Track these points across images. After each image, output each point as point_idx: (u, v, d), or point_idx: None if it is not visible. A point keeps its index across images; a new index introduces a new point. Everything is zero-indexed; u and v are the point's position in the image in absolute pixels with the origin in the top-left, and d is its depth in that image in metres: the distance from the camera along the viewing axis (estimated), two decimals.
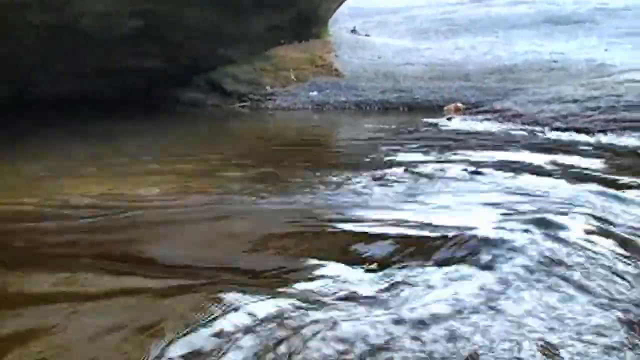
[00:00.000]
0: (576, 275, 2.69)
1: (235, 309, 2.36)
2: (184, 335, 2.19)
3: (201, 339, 2.18)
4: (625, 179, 4.05)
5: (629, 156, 4.79)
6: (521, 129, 5.80)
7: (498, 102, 6.75)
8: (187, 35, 7.62)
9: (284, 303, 2.44)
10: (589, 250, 2.89)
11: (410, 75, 8.27)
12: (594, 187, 3.68)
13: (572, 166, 4.33)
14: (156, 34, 7.34)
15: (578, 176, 4.01)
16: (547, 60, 8.09)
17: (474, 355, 2.18)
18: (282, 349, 2.13)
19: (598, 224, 3.17)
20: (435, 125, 6.31)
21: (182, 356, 2.08)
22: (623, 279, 2.73)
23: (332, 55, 9.05)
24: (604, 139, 5.32)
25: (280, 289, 2.60)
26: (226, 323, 2.26)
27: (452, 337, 2.28)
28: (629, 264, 2.84)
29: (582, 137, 5.35)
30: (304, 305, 2.44)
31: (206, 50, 8.15)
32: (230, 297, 2.45)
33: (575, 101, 6.23)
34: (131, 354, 2.10)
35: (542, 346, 2.24)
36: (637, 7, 10.63)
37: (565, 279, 2.68)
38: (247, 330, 2.22)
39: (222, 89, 8.47)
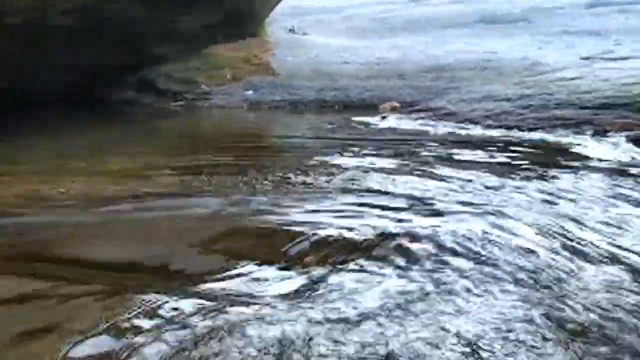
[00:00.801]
0: (498, 272, 2.69)
1: (148, 310, 2.32)
2: (94, 336, 2.14)
3: (110, 340, 2.13)
4: (552, 173, 4.09)
5: (558, 152, 4.83)
6: (453, 127, 5.82)
7: (432, 101, 6.77)
8: (118, 32, 7.51)
9: (199, 303, 2.40)
10: (512, 245, 2.90)
11: (347, 74, 8.27)
12: (517, 182, 3.70)
13: (499, 162, 4.35)
14: (87, 30, 7.23)
15: (500, 171, 4.03)
16: (481, 59, 8.15)
17: (390, 355, 2.16)
18: (193, 349, 2.09)
19: (517, 219, 3.18)
20: (370, 124, 6.32)
21: (91, 356, 2.03)
22: (545, 272, 2.74)
23: (269, 54, 9.01)
24: (535, 136, 5.36)
25: (197, 289, 2.56)
26: (137, 323, 2.21)
27: (368, 336, 2.26)
28: (549, 259, 2.86)
29: (513, 135, 5.38)
30: (219, 305, 2.41)
31: (140, 49, 8.05)
32: (144, 297, 2.41)
33: (507, 99, 6.28)
34: (38, 355, 2.05)
35: (460, 344, 2.23)
36: (570, 6, 10.77)
37: (485, 275, 2.68)
38: (159, 330, 2.18)
39: (157, 87, 8.38)
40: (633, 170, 4.46)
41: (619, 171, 4.36)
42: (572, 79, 6.46)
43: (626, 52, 7.55)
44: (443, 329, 2.28)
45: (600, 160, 4.61)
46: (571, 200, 3.61)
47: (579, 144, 5.04)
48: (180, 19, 8.12)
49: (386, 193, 3.74)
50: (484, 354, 2.15)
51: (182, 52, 8.57)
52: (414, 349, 2.18)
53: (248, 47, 9.09)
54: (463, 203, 3.43)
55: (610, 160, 4.63)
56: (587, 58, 7.55)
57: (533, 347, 2.27)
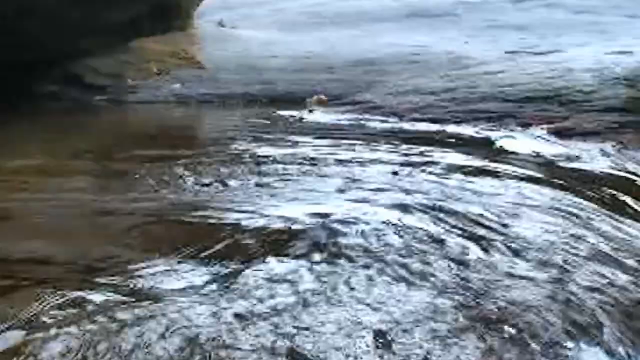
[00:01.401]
0: (413, 263, 2.70)
1: (57, 304, 2.29)
2: (1, 331, 2.10)
3: (17, 334, 2.10)
4: (474, 164, 4.13)
5: (481, 145, 4.88)
6: (379, 120, 5.84)
7: (359, 94, 6.79)
8: (40, 24, 7.37)
9: (110, 297, 2.38)
10: (425, 236, 2.92)
11: (275, 68, 8.23)
12: (436, 174, 3.73)
13: (421, 154, 4.38)
14: (5, 22, 7.07)
15: (420, 163, 4.06)
16: (409, 53, 8.19)
17: (301, 348, 2.15)
18: (99, 344, 2.06)
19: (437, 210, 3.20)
20: (297, 117, 6.31)
21: None
22: (461, 264, 2.76)
23: (196, 47, 8.92)
24: (458, 129, 5.41)
25: (109, 283, 2.53)
26: (45, 318, 2.18)
27: (277, 329, 2.25)
28: (464, 251, 2.88)
29: (437, 127, 5.42)
30: (130, 299, 2.38)
31: (63, 42, 7.90)
32: (54, 291, 2.38)
33: (432, 93, 6.33)
34: None
35: (374, 336, 2.23)
36: (498, 1, 10.88)
37: (403, 266, 2.69)
38: (67, 325, 2.15)
39: (82, 82, 8.23)
40: (554, 160, 4.54)
41: (539, 162, 4.42)
42: (497, 72, 6.53)
43: (550, 46, 7.66)
44: (353, 321, 2.28)
45: (521, 152, 4.68)
46: (492, 192, 3.65)
47: (501, 137, 5.10)
48: (106, 12, 7.99)
49: (307, 185, 3.74)
50: (394, 346, 2.16)
51: (108, 46, 8.43)
52: (324, 340, 2.18)
53: (176, 40, 8.98)
54: (377, 192, 3.44)
55: (531, 152, 4.70)
56: (512, 52, 7.64)
57: (444, 337, 2.28)
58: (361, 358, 2.08)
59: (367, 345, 2.13)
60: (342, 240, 2.84)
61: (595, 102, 5.64)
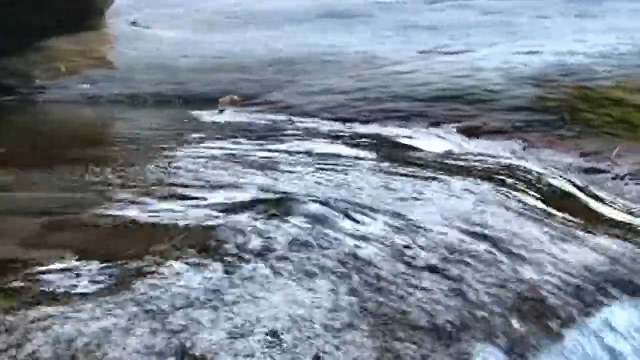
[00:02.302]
0: (308, 260, 2.68)
1: None
2: None
3: None
4: (382, 165, 4.14)
5: (390, 144, 4.91)
6: (289, 120, 5.83)
7: (271, 95, 6.77)
8: None
9: (12, 299, 2.32)
10: (328, 234, 2.91)
11: (188, 68, 8.16)
12: (341, 173, 3.73)
13: (329, 154, 4.38)
14: None
15: (327, 163, 4.05)
16: (323, 54, 8.21)
17: (193, 347, 2.12)
18: None
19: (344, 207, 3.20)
20: (208, 118, 6.26)
21: None
22: (370, 264, 2.75)
23: (108, 47, 8.80)
24: (368, 128, 5.43)
25: (12, 285, 2.47)
26: None
27: (175, 329, 2.21)
28: (361, 247, 2.88)
29: (347, 127, 5.43)
30: (33, 301, 2.33)
31: None
32: None
33: (344, 93, 6.35)
34: None
35: (269, 337, 2.21)
36: (412, 2, 10.99)
37: (298, 263, 2.67)
38: None
39: None
40: (461, 158, 4.58)
41: (445, 160, 4.46)
42: (408, 72, 6.58)
43: (461, 47, 7.76)
44: (249, 320, 2.25)
45: (429, 151, 4.71)
46: (395, 189, 3.66)
47: (410, 136, 5.13)
48: (17, 11, 7.83)
49: (214, 185, 3.71)
50: (286, 344, 2.13)
51: (19, 46, 8.26)
52: (218, 340, 2.15)
53: (86, 40, 8.85)
54: (287, 192, 3.43)
55: (439, 151, 4.74)
56: (424, 52, 7.72)
57: (339, 335, 2.26)
58: (252, 357, 2.05)
59: (259, 344, 2.11)
60: (241, 240, 2.81)
61: (503, 102, 5.73)
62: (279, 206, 3.29)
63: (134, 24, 10.58)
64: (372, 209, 3.21)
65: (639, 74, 6.06)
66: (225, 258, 2.66)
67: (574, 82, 5.91)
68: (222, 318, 2.23)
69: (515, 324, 2.79)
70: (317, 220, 3.09)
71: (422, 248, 2.92)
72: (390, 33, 9.20)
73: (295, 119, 5.91)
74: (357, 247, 2.81)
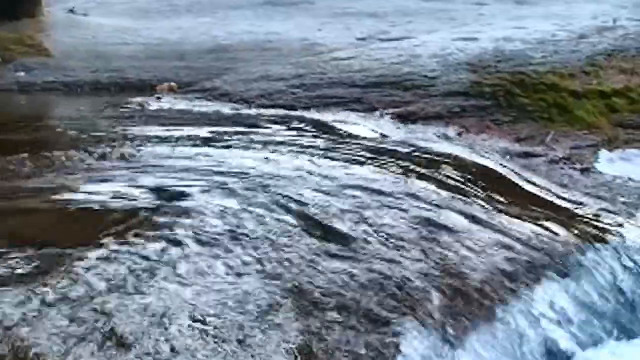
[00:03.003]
0: (233, 245, 2.67)
1: None
2: None
3: None
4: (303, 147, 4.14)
5: (327, 130, 4.90)
6: (226, 106, 5.80)
7: (209, 81, 6.72)
8: None
9: None
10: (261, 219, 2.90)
11: (125, 55, 8.06)
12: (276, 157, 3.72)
13: (262, 141, 4.37)
14: None
15: (261, 149, 4.04)
16: (262, 41, 8.17)
17: (119, 332, 2.10)
18: None
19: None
20: (143, 104, 6.19)
21: None
22: (283, 246, 2.74)
23: (44, 34, 8.64)
24: (306, 114, 5.42)
25: None
26: None
27: (96, 314, 2.18)
28: (286, 232, 2.87)
29: (284, 113, 5.42)
30: None
31: None
32: None
33: (282, 79, 6.33)
34: None
35: (193, 319, 2.19)
36: None
37: (224, 248, 2.66)
38: None
39: None
40: (396, 143, 4.59)
41: (381, 145, 4.47)
42: (346, 58, 6.58)
43: (399, 33, 7.78)
44: (171, 304, 2.23)
45: (364, 136, 4.71)
46: (328, 175, 3.66)
47: (346, 122, 5.13)
48: None
49: (148, 170, 3.69)
50: (210, 328, 2.12)
51: None
52: (140, 325, 2.13)
53: (21, 27, 8.69)
54: (220, 175, 3.41)
55: (374, 136, 4.74)
56: (362, 39, 7.72)
57: (263, 318, 2.25)
58: (175, 339, 2.03)
59: (180, 328, 2.09)
60: (169, 223, 2.79)
61: (440, 87, 5.76)
62: (212, 189, 3.28)
63: (71, 11, 10.43)
64: (300, 194, 3.21)
65: (574, 59, 6.14)
66: (152, 242, 2.64)
67: (509, 68, 5.95)
68: (144, 302, 2.21)
69: (443, 304, 2.81)
70: (249, 202, 3.08)
71: (347, 229, 2.92)
72: (330, 20, 9.18)
73: (232, 105, 5.87)
74: (283, 227, 2.80)
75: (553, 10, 9.02)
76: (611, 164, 5.10)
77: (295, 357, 2.10)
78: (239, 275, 2.46)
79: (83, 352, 2.02)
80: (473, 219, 3.67)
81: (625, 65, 5.96)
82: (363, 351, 2.35)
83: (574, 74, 5.86)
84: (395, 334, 2.50)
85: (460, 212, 3.68)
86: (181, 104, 6.14)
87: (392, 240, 3.00)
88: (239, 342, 2.09)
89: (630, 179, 4.81)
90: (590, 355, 3.13)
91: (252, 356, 2.06)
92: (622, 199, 4.51)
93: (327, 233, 2.88)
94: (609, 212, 4.19)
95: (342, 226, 2.96)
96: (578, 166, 5.01)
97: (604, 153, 5.19)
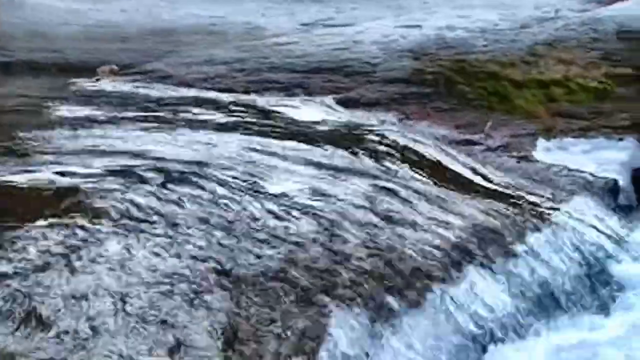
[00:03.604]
0: (163, 226, 2.65)
1: None
2: None
3: None
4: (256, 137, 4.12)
5: (266, 114, 4.89)
6: (167, 89, 5.75)
7: (151, 64, 6.67)
8: None
9: None
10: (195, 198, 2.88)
11: (67, 37, 7.97)
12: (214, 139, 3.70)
13: (200, 122, 4.34)
14: None
15: (198, 131, 4.01)
16: (206, 24, 8.14)
17: (39, 311, 2.07)
18: None
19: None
20: (85, 86, 6.12)
21: None
22: (216, 226, 2.73)
23: None
24: (246, 98, 5.39)
25: None
26: None
27: (21, 293, 2.15)
28: (220, 213, 2.86)
29: (224, 96, 5.39)
30: None
31: None
32: None
33: (225, 63, 6.31)
34: None
35: (114, 300, 2.17)
36: None
37: (153, 229, 2.64)
38: None
39: None
40: (336, 129, 4.59)
41: (319, 130, 4.47)
42: (289, 44, 6.58)
43: (344, 20, 7.80)
44: (97, 284, 2.21)
45: (304, 121, 4.71)
46: (261, 159, 3.65)
47: (287, 106, 5.11)
48: None
49: (85, 150, 3.65)
50: (132, 309, 2.10)
51: None
52: (63, 302, 2.10)
53: None
54: (157, 158, 3.38)
55: (314, 121, 4.74)
56: (306, 24, 7.72)
57: (191, 298, 2.24)
58: (95, 319, 2.01)
59: (103, 307, 2.07)
60: (97, 203, 2.75)
61: (381, 74, 5.78)
62: (146, 170, 3.25)
63: None
64: (234, 177, 3.19)
65: (516, 48, 6.18)
66: (77, 223, 2.60)
67: (451, 56, 5.98)
68: (66, 283, 2.18)
69: (378, 287, 2.82)
70: (179, 185, 3.06)
71: (278, 212, 2.92)
72: (275, 5, 9.15)
73: (173, 88, 5.83)
74: (212, 209, 2.79)
75: (498, 0, 9.09)
76: (548, 152, 5.16)
77: (219, 337, 2.09)
78: (165, 256, 2.44)
79: (3, 331, 1.99)
80: (410, 204, 3.69)
81: (564, 56, 6.02)
82: (290, 332, 2.35)
83: (515, 63, 5.91)
84: (324, 314, 2.50)
85: (398, 197, 3.70)
86: (121, 86, 6.08)
87: (326, 223, 3.00)
88: (162, 322, 2.08)
89: (566, 167, 4.88)
90: (517, 341, 3.17)
91: (174, 336, 2.05)
92: (557, 187, 4.56)
93: (259, 214, 2.87)
94: (545, 199, 4.24)
95: (274, 209, 2.95)
96: (516, 154, 5.06)
97: (541, 142, 5.25)
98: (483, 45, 6.19)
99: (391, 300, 2.88)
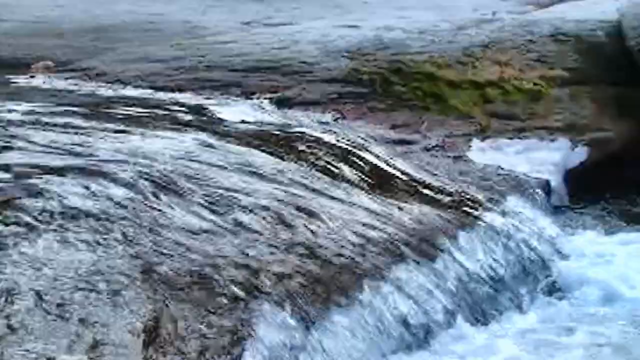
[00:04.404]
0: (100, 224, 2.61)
1: None
2: None
3: None
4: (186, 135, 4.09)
5: (199, 112, 4.86)
6: (102, 86, 5.69)
7: (86, 61, 6.60)
8: None
9: None
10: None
11: (1, 32, 7.84)
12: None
13: (132, 120, 4.29)
14: None
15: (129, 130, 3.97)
16: (144, 21, 8.09)
17: None
18: None
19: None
20: (18, 82, 6.03)
21: None
22: (147, 227, 2.70)
23: None
24: (181, 96, 5.36)
25: None
26: None
27: None
28: (154, 215, 2.82)
29: (158, 95, 5.35)
30: None
31: None
32: None
33: (161, 61, 6.27)
34: None
35: (35, 297, 2.12)
36: None
37: (88, 226, 2.60)
38: None
39: None
40: (269, 128, 4.57)
41: (254, 128, 4.45)
42: (227, 42, 6.57)
43: (284, 19, 7.80)
44: (15, 281, 2.16)
45: (240, 120, 4.69)
46: (194, 157, 3.62)
47: (223, 105, 5.09)
48: None
49: (13, 147, 3.59)
50: (52, 307, 2.06)
51: None
52: None
53: None
54: (77, 162, 3.32)
55: (250, 120, 4.72)
56: (247, 23, 7.70)
57: (112, 295, 2.20)
58: (13, 317, 1.96)
59: (23, 306, 2.02)
60: (22, 201, 2.70)
61: (318, 73, 5.78)
62: (74, 167, 3.20)
63: None
64: (163, 176, 3.16)
65: (452, 49, 6.22)
66: (3, 217, 2.55)
67: (388, 56, 6.00)
68: None
69: (302, 285, 2.81)
70: (106, 182, 3.02)
71: (206, 209, 2.90)
72: (216, 3, 9.12)
73: (108, 86, 5.77)
74: (139, 207, 2.76)
75: (437, 1, 9.16)
76: (482, 152, 5.20)
77: (139, 335, 2.06)
78: (87, 253, 2.40)
79: None
80: (343, 203, 3.69)
81: (500, 57, 6.07)
82: (216, 331, 2.33)
83: (451, 64, 5.94)
84: (251, 314, 2.48)
85: (330, 196, 3.70)
86: (55, 84, 6.00)
87: (251, 223, 2.99)
88: (81, 320, 2.04)
89: (499, 167, 4.92)
90: (445, 337, 3.19)
91: (93, 335, 2.01)
92: (491, 187, 4.60)
93: (185, 213, 2.85)
94: (478, 199, 4.27)
95: (199, 208, 2.93)
96: (450, 154, 5.10)
97: (476, 142, 5.29)
98: (420, 46, 6.21)
99: (320, 300, 2.87)
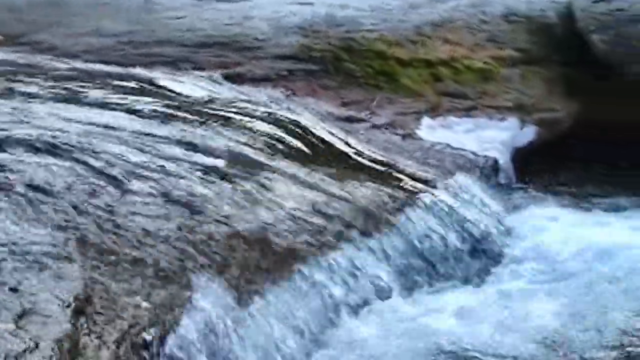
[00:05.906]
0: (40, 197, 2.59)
1: None
2: None
3: None
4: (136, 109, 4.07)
5: (149, 88, 4.83)
6: (53, 60, 5.62)
7: (37, 34, 6.52)
8: None
9: None
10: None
11: None
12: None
13: (77, 95, 4.26)
14: None
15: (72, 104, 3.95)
16: None
17: None
18: None
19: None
20: None
21: None
22: (87, 202, 2.69)
23: None
24: (132, 71, 5.32)
25: None
26: None
27: None
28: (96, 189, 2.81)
29: (108, 69, 5.30)
30: None
31: None
32: None
33: (114, 35, 6.22)
34: None
35: None
36: None
37: (27, 199, 2.59)
38: None
39: None
40: (219, 104, 4.56)
41: (202, 104, 4.44)
42: (179, 18, 6.50)
43: None
44: None
45: (188, 95, 4.67)
46: (144, 132, 3.61)
47: (172, 80, 5.06)
48: None
49: None
50: None
51: None
52: None
53: None
54: (20, 136, 3.29)
55: (198, 96, 4.71)
56: None
57: (48, 268, 2.20)
58: None
59: None
60: None
61: (269, 50, 5.76)
62: (19, 140, 3.18)
63: None
64: (110, 150, 3.15)
65: (403, 28, 6.22)
66: None
67: (339, 34, 5.99)
68: None
69: (242, 259, 2.82)
70: (48, 156, 3.00)
71: (147, 185, 2.89)
72: None
73: (59, 59, 5.70)
74: (80, 181, 2.75)
75: None
76: (432, 130, 5.24)
77: (69, 305, 2.06)
78: (23, 223, 2.39)
79: None
80: (289, 178, 3.70)
81: (451, 37, 6.09)
82: (150, 303, 2.33)
83: (402, 42, 5.95)
84: (187, 288, 2.48)
85: (276, 172, 3.71)
86: (5, 56, 5.92)
87: (194, 200, 2.99)
88: (11, 289, 2.04)
89: (448, 145, 4.97)
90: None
91: (21, 303, 2.01)
92: (439, 165, 4.64)
93: (128, 187, 2.84)
94: (426, 176, 4.31)
95: (143, 184, 2.92)
96: (400, 132, 5.13)
97: (426, 120, 5.32)
98: (371, 24, 6.20)
99: (259, 275, 2.88)
